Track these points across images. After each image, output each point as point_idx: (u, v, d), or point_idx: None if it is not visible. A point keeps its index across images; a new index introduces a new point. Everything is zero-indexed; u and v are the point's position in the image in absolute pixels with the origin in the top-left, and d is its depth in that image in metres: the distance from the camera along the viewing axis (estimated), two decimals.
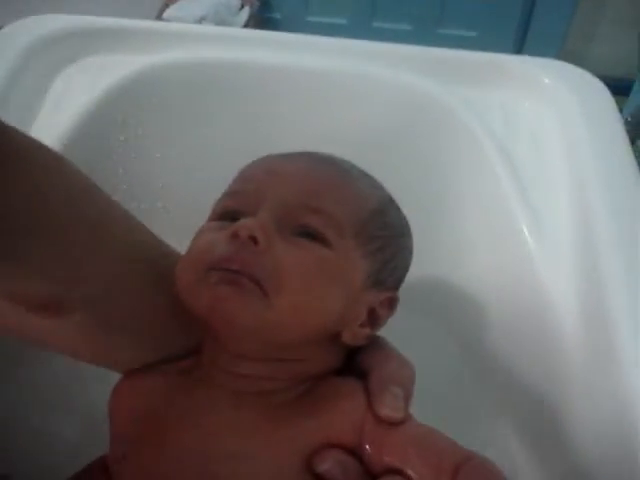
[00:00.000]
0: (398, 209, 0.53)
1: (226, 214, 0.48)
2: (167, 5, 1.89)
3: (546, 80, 0.80)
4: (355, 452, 0.43)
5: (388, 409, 0.44)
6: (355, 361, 0.49)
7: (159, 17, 1.84)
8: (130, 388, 0.49)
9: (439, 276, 0.75)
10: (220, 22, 1.84)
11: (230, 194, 0.50)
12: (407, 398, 0.46)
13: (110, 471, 0.49)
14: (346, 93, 0.82)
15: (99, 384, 0.52)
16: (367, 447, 0.43)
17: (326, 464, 0.42)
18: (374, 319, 0.48)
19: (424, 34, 2.06)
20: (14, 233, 0.43)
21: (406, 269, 0.53)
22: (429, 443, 0.43)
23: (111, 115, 0.78)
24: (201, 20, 1.83)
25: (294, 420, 0.44)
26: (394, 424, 0.44)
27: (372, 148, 0.71)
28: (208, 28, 1.26)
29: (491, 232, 0.75)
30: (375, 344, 0.49)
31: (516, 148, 0.75)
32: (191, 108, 0.81)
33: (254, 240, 0.43)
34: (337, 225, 0.46)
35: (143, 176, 0.81)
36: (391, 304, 0.49)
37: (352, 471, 0.43)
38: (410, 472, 0.42)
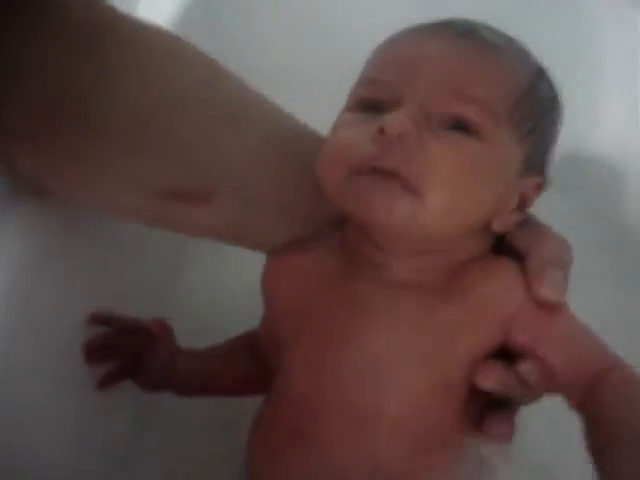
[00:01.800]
0: (549, 79, 0.48)
1: (366, 104, 0.44)
2: None
3: None
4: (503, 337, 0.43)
5: (549, 291, 0.42)
6: (506, 240, 0.47)
7: None
8: (283, 268, 0.49)
9: (572, 141, 0.68)
10: None
11: (368, 82, 0.45)
12: (567, 278, 0.44)
13: (259, 350, 0.52)
14: None
15: None
16: (517, 335, 0.43)
17: (489, 382, 0.42)
18: (524, 203, 0.46)
19: None
20: (147, 126, 0.43)
21: (554, 145, 0.48)
22: (580, 343, 0.42)
23: None
24: None
25: (447, 311, 0.43)
26: (552, 312, 0.42)
27: None
28: None
29: (627, 91, 0.71)
30: (528, 223, 0.47)
31: None
32: None
33: (403, 137, 0.40)
34: (492, 113, 0.42)
35: (252, 58, 0.75)
36: (540, 186, 0.46)
37: (510, 385, 0.42)
38: (554, 369, 0.41)
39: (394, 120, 0.40)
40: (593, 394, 0.39)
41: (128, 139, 0.44)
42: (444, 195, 0.40)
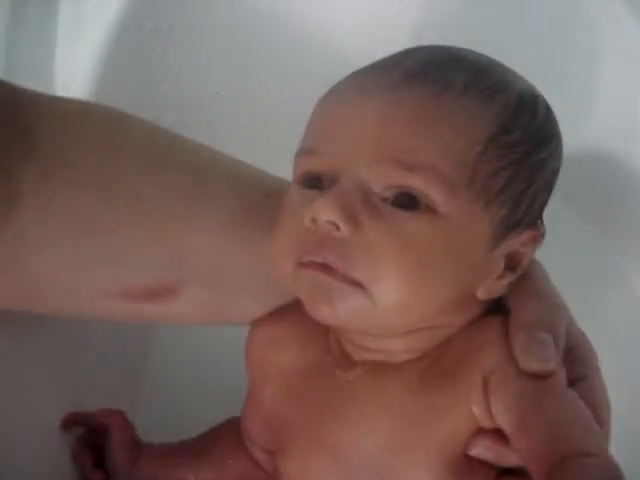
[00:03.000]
0: (530, 107, 0.39)
1: (309, 178, 0.39)
2: None
3: None
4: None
5: (534, 361, 0.37)
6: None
7: None
8: (268, 337, 0.45)
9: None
10: None
11: (307, 152, 0.39)
12: (558, 344, 0.38)
13: (246, 436, 0.47)
14: None
15: None
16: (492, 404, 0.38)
17: (476, 449, 0.38)
18: (515, 262, 0.40)
19: None
20: (87, 228, 0.41)
21: (553, 183, 0.41)
22: (550, 422, 0.36)
23: (140, 25, 0.67)
24: None
25: (431, 391, 0.39)
26: (529, 382, 0.37)
27: None
28: None
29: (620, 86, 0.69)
30: (521, 279, 0.40)
31: None
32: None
33: (335, 225, 0.35)
34: (443, 178, 0.36)
35: (193, 88, 0.72)
36: (536, 238, 0.40)
37: (499, 455, 0.38)
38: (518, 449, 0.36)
39: (323, 207, 0.35)
40: (552, 471, 0.34)
41: (69, 250, 0.41)
42: (392, 286, 0.35)
